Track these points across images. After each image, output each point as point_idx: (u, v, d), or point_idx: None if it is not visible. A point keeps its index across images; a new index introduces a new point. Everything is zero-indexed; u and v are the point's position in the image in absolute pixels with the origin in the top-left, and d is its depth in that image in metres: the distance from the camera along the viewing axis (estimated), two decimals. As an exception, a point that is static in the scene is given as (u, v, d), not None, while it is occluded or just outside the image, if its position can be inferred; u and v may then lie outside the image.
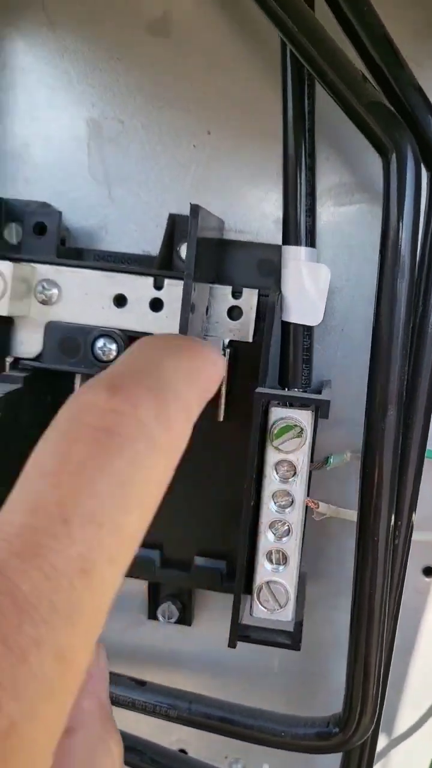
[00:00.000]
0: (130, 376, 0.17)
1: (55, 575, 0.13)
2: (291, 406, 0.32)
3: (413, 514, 0.34)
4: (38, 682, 0.12)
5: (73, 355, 0.35)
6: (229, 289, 0.35)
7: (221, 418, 0.36)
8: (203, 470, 0.39)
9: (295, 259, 0.32)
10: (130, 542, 0.15)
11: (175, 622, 0.40)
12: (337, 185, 0.36)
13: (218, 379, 0.21)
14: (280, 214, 0.37)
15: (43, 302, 0.35)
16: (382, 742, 0.42)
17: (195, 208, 0.30)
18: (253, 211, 0.37)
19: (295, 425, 0.32)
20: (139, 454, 0.15)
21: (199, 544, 0.39)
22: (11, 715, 0.12)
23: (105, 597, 0.14)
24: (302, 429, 0.32)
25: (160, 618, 0.40)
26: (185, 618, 0.40)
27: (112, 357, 0.35)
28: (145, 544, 0.39)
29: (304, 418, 0.32)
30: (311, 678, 0.40)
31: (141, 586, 0.41)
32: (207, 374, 0.20)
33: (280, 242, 0.36)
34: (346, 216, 0.36)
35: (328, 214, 0.36)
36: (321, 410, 0.31)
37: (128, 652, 0.41)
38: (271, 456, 0.33)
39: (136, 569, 0.39)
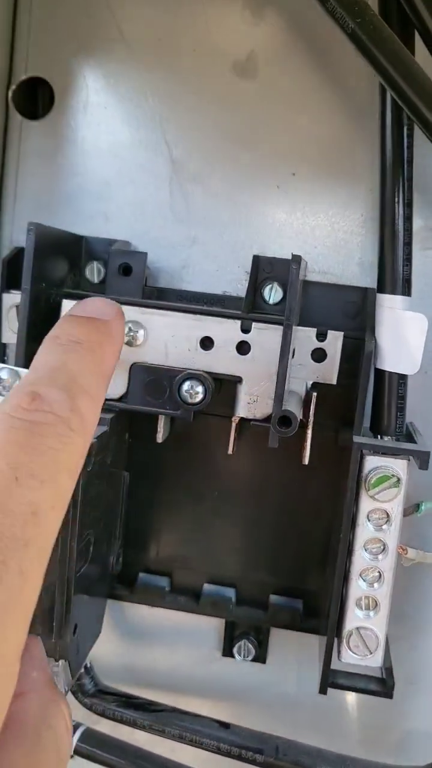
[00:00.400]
0: (44, 381, 0.21)
1: (12, 514, 0.18)
2: (384, 454, 0.32)
3: None
4: (7, 590, 0.17)
5: (159, 396, 0.35)
6: (313, 331, 0.35)
7: (306, 462, 0.36)
8: (282, 510, 0.39)
9: (391, 307, 0.32)
10: (64, 495, 0.20)
11: (251, 660, 0.40)
12: (422, 229, 0.36)
13: (118, 349, 0.25)
14: (363, 256, 0.37)
15: (128, 344, 0.35)
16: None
17: (297, 259, 0.30)
18: (337, 253, 0.37)
19: (393, 475, 0.32)
20: (60, 435, 0.20)
21: (276, 583, 0.39)
22: None
23: (50, 532, 0.19)
24: (399, 479, 0.32)
25: (237, 656, 0.40)
26: (260, 656, 0.40)
27: (198, 399, 0.34)
28: (222, 582, 0.40)
29: (400, 467, 0.32)
30: (388, 719, 0.40)
31: (215, 624, 0.41)
32: (107, 358, 0.24)
33: (364, 284, 0.36)
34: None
35: (414, 257, 0.36)
36: (421, 461, 0.31)
37: (201, 687, 0.41)
38: (366, 504, 0.33)
39: (211, 607, 0.39)
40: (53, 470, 0.19)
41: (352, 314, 0.36)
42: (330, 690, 0.36)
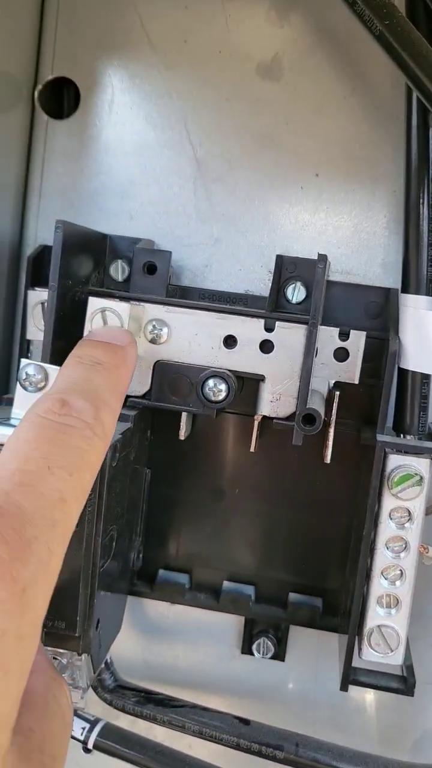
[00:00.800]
0: (72, 392, 0.25)
1: (44, 497, 0.20)
2: (407, 453, 0.33)
3: None
4: (37, 562, 0.19)
5: (182, 394, 0.35)
6: (336, 330, 0.36)
7: (328, 460, 0.36)
8: (303, 509, 0.39)
9: (415, 307, 0.32)
10: (86, 489, 0.22)
11: (270, 658, 0.40)
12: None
13: (131, 372, 0.29)
14: (386, 256, 0.37)
15: (152, 341, 0.35)
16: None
17: (323, 258, 0.30)
18: (360, 254, 0.37)
19: (416, 474, 0.32)
20: (87, 438, 0.23)
21: (295, 581, 0.39)
22: (25, 581, 0.18)
23: (73, 519, 0.21)
24: (422, 477, 0.32)
25: (256, 653, 0.40)
26: (279, 653, 0.40)
27: (221, 397, 0.35)
28: (241, 579, 0.40)
29: (423, 466, 0.32)
30: (407, 718, 0.40)
31: (234, 621, 0.41)
32: (122, 379, 0.28)
33: (386, 285, 0.36)
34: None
35: None
36: (443, 460, 0.31)
37: (221, 684, 0.41)
38: (388, 503, 0.33)
39: (231, 605, 0.39)
40: (79, 465, 0.22)
41: (374, 314, 0.37)
42: (349, 688, 0.37)
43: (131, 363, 0.29)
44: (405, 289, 0.33)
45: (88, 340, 0.29)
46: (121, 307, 0.33)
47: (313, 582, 0.39)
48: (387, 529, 0.33)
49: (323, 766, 0.34)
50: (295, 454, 0.38)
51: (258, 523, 0.39)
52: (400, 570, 0.33)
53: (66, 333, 0.34)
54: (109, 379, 0.27)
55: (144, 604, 0.42)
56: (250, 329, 0.35)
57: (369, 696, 0.41)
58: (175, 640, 0.42)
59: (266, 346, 0.35)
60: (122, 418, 0.34)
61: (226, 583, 0.40)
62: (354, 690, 0.40)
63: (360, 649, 0.34)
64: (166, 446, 0.39)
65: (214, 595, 0.39)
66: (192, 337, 0.35)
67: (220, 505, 0.39)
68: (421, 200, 0.32)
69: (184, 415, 0.36)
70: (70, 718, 0.24)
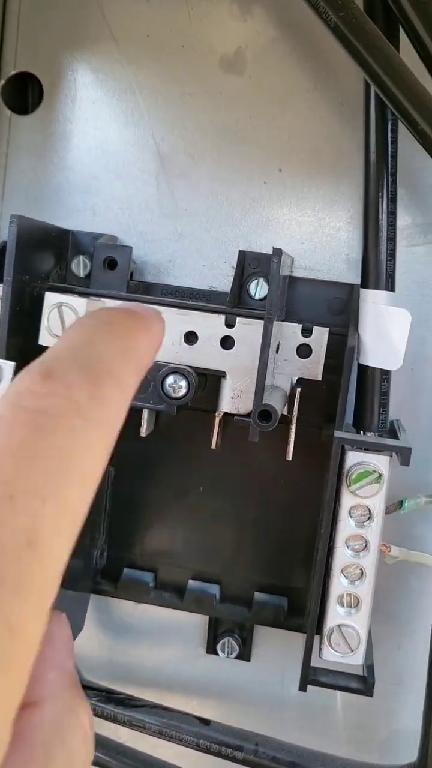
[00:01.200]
0: (63, 359, 0.17)
1: (2, 548, 0.13)
2: (367, 450, 0.32)
3: None
4: None
5: (142, 390, 0.35)
6: (299, 327, 0.35)
7: (290, 457, 0.36)
8: (267, 507, 0.38)
9: (375, 302, 0.32)
10: (74, 514, 0.15)
11: (235, 657, 0.40)
12: (409, 225, 0.36)
13: (155, 346, 0.21)
14: (350, 252, 0.36)
15: (114, 338, 0.35)
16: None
17: (278, 252, 0.30)
18: (324, 249, 0.37)
19: (374, 471, 0.32)
20: (74, 431, 0.16)
21: (261, 580, 0.39)
22: None
23: (53, 567, 0.15)
24: (380, 475, 0.32)
25: (220, 653, 0.40)
26: (244, 653, 0.40)
27: (181, 393, 0.34)
28: (207, 578, 0.39)
29: (382, 463, 0.32)
30: (373, 717, 0.40)
31: (199, 620, 0.40)
32: (142, 347, 0.20)
33: (350, 281, 0.36)
34: (419, 256, 0.36)
35: (400, 254, 0.36)
36: (402, 457, 0.31)
37: (185, 684, 0.41)
38: (347, 500, 0.32)
39: (195, 604, 0.39)
40: (61, 480, 0.15)
41: (338, 310, 0.36)
42: (316, 689, 0.36)
43: (156, 334, 0.21)
44: (365, 284, 0.32)
45: (105, 308, 0.21)
46: (78, 303, 0.33)
47: (279, 581, 0.39)
48: (346, 527, 0.33)
49: (282, 767, 0.34)
50: (259, 452, 0.37)
51: (223, 521, 0.39)
52: (360, 569, 0.33)
53: (23, 329, 0.34)
54: (121, 343, 0.19)
55: (109, 602, 0.41)
56: (210, 325, 0.34)
57: (335, 696, 0.40)
58: (140, 640, 0.41)
59: (227, 342, 0.35)
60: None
61: (191, 582, 0.39)
62: (321, 691, 0.40)
63: (320, 649, 0.34)
64: (129, 444, 0.38)
65: (179, 594, 0.39)
66: (152, 333, 0.35)
67: (185, 503, 0.39)
68: (380, 195, 0.32)
69: (145, 411, 0.36)
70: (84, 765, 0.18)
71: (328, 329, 0.35)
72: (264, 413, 0.31)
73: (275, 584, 0.39)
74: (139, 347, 0.20)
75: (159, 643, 0.41)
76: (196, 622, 0.40)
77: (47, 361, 0.17)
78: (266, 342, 0.31)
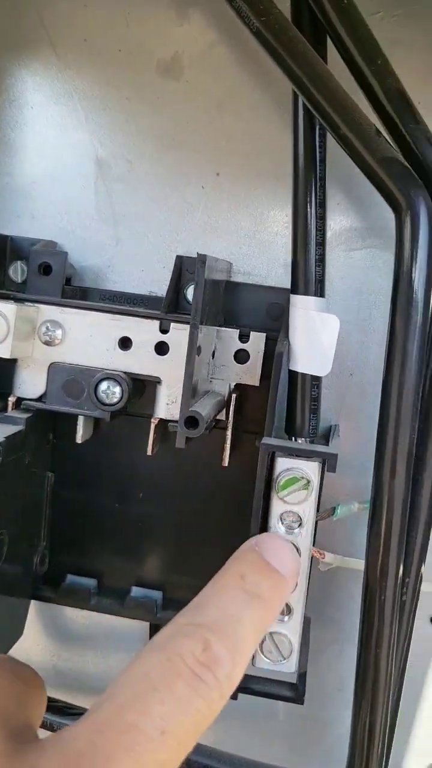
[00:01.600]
0: (220, 634, 0.23)
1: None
2: (298, 456, 0.32)
3: (422, 566, 0.34)
4: None
5: (77, 396, 0.35)
6: (236, 332, 0.35)
7: (226, 463, 0.35)
8: (206, 513, 0.38)
9: (304, 308, 0.32)
10: (184, 756, 0.21)
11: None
12: (348, 230, 0.36)
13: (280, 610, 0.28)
14: (288, 257, 0.36)
15: (47, 343, 0.35)
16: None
17: (202, 258, 0.30)
18: (262, 254, 0.37)
19: (302, 477, 0.31)
20: (212, 700, 0.21)
21: (203, 585, 0.39)
22: None
23: None
24: (309, 481, 0.31)
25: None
26: (186, 661, 0.39)
27: (115, 400, 0.34)
28: (149, 584, 0.39)
29: (311, 469, 0.31)
30: (315, 724, 0.40)
31: (144, 627, 0.40)
32: (272, 620, 0.26)
33: (288, 285, 0.36)
34: (357, 261, 0.36)
35: (338, 259, 0.36)
36: (328, 464, 0.31)
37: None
38: (277, 507, 0.32)
39: (136, 610, 0.38)
40: (192, 734, 0.21)
41: (276, 315, 0.36)
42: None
43: (285, 601, 0.28)
44: (294, 289, 0.32)
45: (261, 556, 0.27)
46: (7, 309, 0.33)
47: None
48: (277, 533, 0.32)
49: (215, 776, 0.33)
50: (197, 458, 0.37)
51: (164, 527, 0.39)
52: (292, 576, 0.33)
53: None
54: (261, 622, 0.25)
55: (53, 609, 0.41)
56: (145, 331, 0.34)
57: (279, 705, 0.40)
58: (85, 646, 0.41)
59: (162, 348, 0.34)
60: (12, 421, 0.34)
61: (134, 589, 0.39)
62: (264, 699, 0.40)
63: (254, 657, 0.33)
64: (70, 450, 0.38)
65: (121, 601, 0.39)
66: (87, 339, 0.35)
67: (126, 509, 0.39)
68: (308, 200, 0.31)
69: (80, 418, 0.36)
70: None
71: (265, 334, 0.35)
72: (191, 419, 0.31)
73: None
74: (269, 621, 0.26)
75: (104, 650, 0.41)
76: (140, 628, 0.40)
77: (208, 628, 0.23)
78: (192, 347, 0.31)
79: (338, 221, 0.36)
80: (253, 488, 0.37)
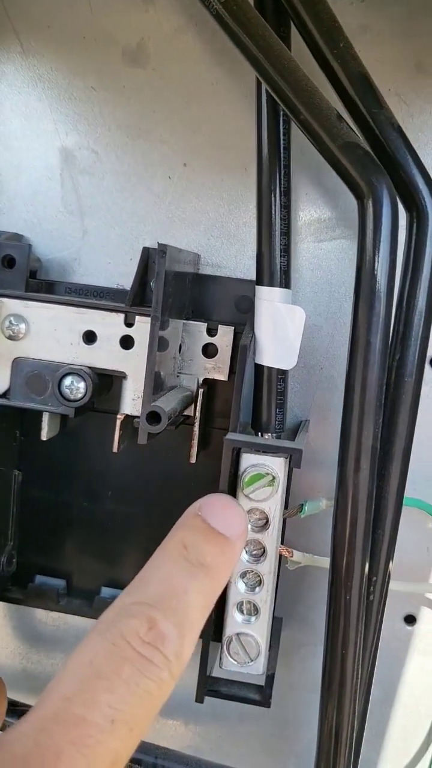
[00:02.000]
0: (164, 610, 0.22)
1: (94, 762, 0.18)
2: (264, 453, 0.31)
3: (390, 564, 0.33)
4: None
5: (41, 392, 0.34)
6: (204, 325, 0.34)
7: (193, 460, 0.35)
8: (176, 511, 0.37)
9: (269, 300, 0.31)
10: (136, 744, 0.20)
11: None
12: (316, 221, 0.35)
13: (230, 575, 0.26)
14: (255, 248, 0.35)
15: (10, 338, 0.34)
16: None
17: (163, 248, 0.29)
18: (230, 246, 0.36)
19: (267, 473, 0.31)
20: (161, 681, 0.20)
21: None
22: None
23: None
24: (274, 477, 0.31)
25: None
26: (157, 663, 0.39)
27: (80, 396, 0.33)
28: (120, 585, 0.38)
29: (276, 465, 0.31)
30: (287, 725, 0.39)
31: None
32: (220, 588, 0.25)
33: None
34: (327, 252, 0.35)
35: (307, 250, 0.35)
36: (294, 459, 0.30)
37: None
38: (242, 504, 0.31)
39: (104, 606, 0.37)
40: (143, 718, 0.20)
41: (244, 308, 0.35)
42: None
43: (234, 564, 0.26)
44: (259, 281, 0.31)
45: (201, 522, 0.26)
46: (-32, 301, 0.32)
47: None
48: (243, 532, 0.31)
49: (182, 781, 0.33)
50: (165, 455, 0.36)
51: (133, 526, 0.38)
52: (258, 576, 0.32)
53: None
54: (209, 590, 0.24)
55: (22, 611, 0.40)
56: (109, 324, 0.34)
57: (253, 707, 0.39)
58: (55, 648, 0.40)
59: (127, 342, 0.34)
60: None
61: (104, 589, 0.38)
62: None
63: (221, 658, 0.33)
64: (37, 448, 0.37)
65: (90, 602, 0.38)
66: (51, 333, 0.34)
67: (95, 508, 0.38)
68: (272, 189, 0.31)
69: (45, 415, 0.35)
70: None
71: (233, 328, 0.34)
72: (153, 414, 0.30)
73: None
74: (218, 591, 0.25)
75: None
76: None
77: (152, 605, 0.22)
78: (153, 339, 0.30)
79: (307, 212, 0.35)
80: (218, 484, 0.36)
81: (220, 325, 0.34)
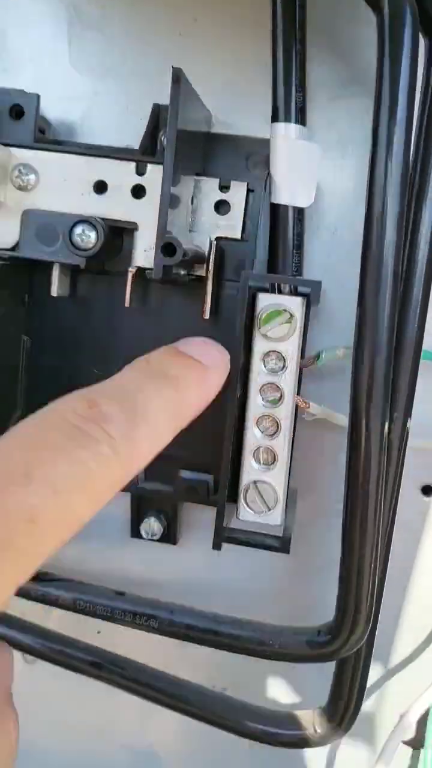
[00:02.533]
0: (111, 396, 0.20)
1: (5, 514, 0.16)
2: (280, 292, 0.31)
3: (408, 422, 0.33)
4: None
5: (52, 243, 0.33)
6: (216, 181, 0.34)
7: (207, 315, 0.34)
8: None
9: (285, 136, 0.30)
10: (76, 516, 0.18)
11: (159, 540, 0.38)
12: (331, 78, 0.34)
13: (206, 399, 0.24)
14: (267, 106, 0.35)
15: (20, 188, 0.33)
16: (377, 672, 0.40)
17: (177, 72, 0.28)
18: (243, 104, 0.35)
19: (284, 310, 0.30)
20: (100, 456, 0.18)
21: (185, 457, 0.37)
22: None
23: (40, 549, 0.17)
24: (292, 315, 0.30)
25: (144, 534, 0.38)
26: (170, 536, 0.38)
27: (90, 245, 0.33)
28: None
29: (294, 304, 0.30)
30: (304, 601, 0.38)
31: (123, 503, 0.39)
32: (189, 404, 0.23)
33: (268, 136, 0.34)
34: (340, 112, 0.34)
35: (321, 109, 0.34)
36: (312, 293, 0.29)
37: (111, 571, 0.39)
38: (259, 345, 0.31)
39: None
40: (74, 485, 0.17)
41: (256, 167, 0.35)
42: (250, 572, 0.35)
43: (211, 389, 0.24)
44: (275, 117, 0.31)
45: (173, 346, 0.24)
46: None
47: (204, 458, 0.37)
48: (259, 375, 0.31)
49: (198, 632, 0.32)
50: (178, 314, 0.36)
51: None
52: (277, 422, 0.31)
53: None
54: (168, 397, 0.22)
55: None
56: (121, 173, 0.33)
57: (266, 581, 0.39)
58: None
59: (138, 191, 0.33)
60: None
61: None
62: (252, 575, 0.39)
63: (237, 509, 0.32)
64: (46, 312, 0.37)
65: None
66: (61, 183, 0.33)
67: (106, 374, 0.37)
68: (287, 29, 0.30)
69: (55, 268, 0.34)
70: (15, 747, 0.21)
71: (246, 183, 0.34)
72: (167, 246, 0.29)
73: (201, 461, 0.37)
74: (184, 403, 0.22)
75: (83, 530, 0.39)
76: (119, 504, 0.39)
77: (96, 391, 0.20)
78: (169, 164, 0.29)
79: (320, 69, 0.34)
80: (233, 340, 0.36)
81: (233, 182, 0.34)
